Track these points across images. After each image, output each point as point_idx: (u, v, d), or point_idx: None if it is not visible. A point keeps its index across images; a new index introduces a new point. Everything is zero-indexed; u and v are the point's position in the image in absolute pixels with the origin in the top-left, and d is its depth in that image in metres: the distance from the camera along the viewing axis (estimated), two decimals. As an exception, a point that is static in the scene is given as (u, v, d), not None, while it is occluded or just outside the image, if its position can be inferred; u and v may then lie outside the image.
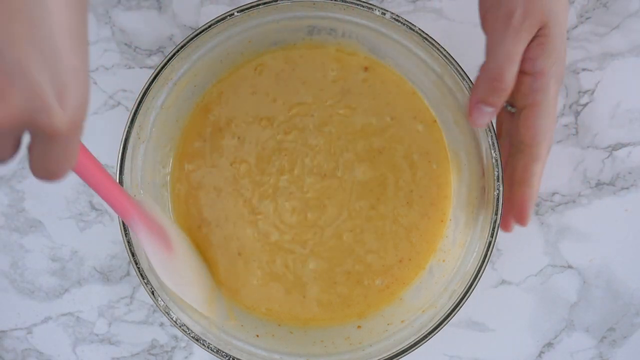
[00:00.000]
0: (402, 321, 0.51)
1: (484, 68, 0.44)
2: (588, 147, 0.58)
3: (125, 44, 0.58)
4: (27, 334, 0.59)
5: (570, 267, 0.59)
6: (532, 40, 0.42)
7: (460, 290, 0.48)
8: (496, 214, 0.47)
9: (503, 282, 0.59)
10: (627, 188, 0.58)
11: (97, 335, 0.59)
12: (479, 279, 0.47)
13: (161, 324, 0.58)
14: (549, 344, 0.59)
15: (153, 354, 0.59)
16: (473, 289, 0.47)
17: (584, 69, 0.58)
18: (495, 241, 0.47)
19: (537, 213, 0.58)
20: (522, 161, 0.46)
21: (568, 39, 0.58)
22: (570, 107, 0.58)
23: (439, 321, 0.47)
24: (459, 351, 0.59)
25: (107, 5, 0.58)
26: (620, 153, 0.58)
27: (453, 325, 0.59)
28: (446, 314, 0.47)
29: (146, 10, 0.58)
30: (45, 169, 0.30)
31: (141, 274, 0.47)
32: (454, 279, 0.50)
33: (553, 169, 0.58)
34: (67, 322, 0.59)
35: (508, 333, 0.59)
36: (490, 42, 0.44)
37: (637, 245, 0.59)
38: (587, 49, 0.58)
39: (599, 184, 0.58)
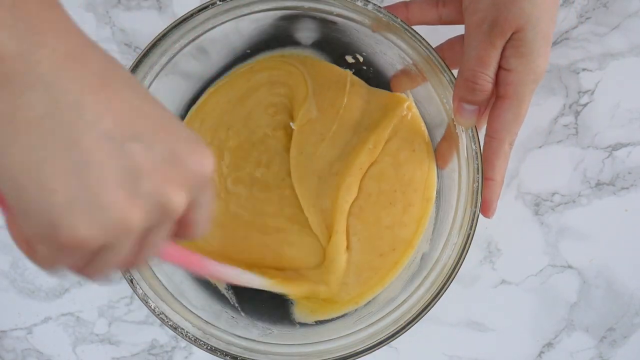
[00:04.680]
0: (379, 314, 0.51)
1: (460, 69, 0.45)
2: (588, 147, 0.58)
3: (125, 44, 0.58)
4: (27, 334, 0.59)
5: (570, 267, 0.59)
6: (507, 42, 0.44)
7: (439, 283, 0.47)
8: (475, 207, 0.47)
9: (503, 282, 0.59)
10: (627, 188, 0.58)
11: (97, 335, 0.59)
12: (457, 271, 0.47)
13: (161, 324, 0.58)
14: (549, 344, 0.59)
15: (153, 354, 0.59)
16: (451, 281, 0.47)
17: (584, 69, 0.58)
18: (474, 233, 0.47)
19: (537, 213, 0.58)
20: (485, 154, 0.47)
21: (567, 39, 0.58)
22: (570, 107, 0.58)
23: (416, 313, 0.47)
24: (459, 351, 0.59)
25: (107, 5, 0.58)
26: (620, 153, 0.58)
27: (453, 325, 0.59)
28: (424, 306, 0.47)
29: (146, 10, 0.58)
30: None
31: (132, 280, 0.48)
32: (432, 271, 0.50)
33: (553, 169, 0.58)
34: (67, 322, 0.59)
35: (508, 333, 0.59)
36: (465, 44, 0.45)
37: (637, 245, 0.59)
38: (587, 49, 0.58)
39: (598, 184, 0.58)
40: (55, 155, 0.26)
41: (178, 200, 0.29)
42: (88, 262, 0.29)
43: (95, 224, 0.27)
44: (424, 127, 0.53)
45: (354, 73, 0.54)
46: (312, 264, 0.53)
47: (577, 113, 0.58)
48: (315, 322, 0.54)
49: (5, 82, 0.25)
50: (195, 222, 0.32)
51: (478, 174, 0.47)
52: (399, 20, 0.46)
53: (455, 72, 0.47)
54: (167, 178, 0.28)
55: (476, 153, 0.47)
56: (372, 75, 0.54)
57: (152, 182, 0.28)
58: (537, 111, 0.57)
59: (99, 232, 0.27)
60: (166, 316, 0.47)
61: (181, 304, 0.50)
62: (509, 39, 0.43)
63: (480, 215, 0.47)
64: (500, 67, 0.44)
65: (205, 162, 0.30)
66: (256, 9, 0.48)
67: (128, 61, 0.58)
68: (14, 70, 0.25)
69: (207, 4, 0.47)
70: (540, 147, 0.58)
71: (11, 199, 0.27)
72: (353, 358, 0.47)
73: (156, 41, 0.47)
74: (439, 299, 0.47)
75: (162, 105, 0.30)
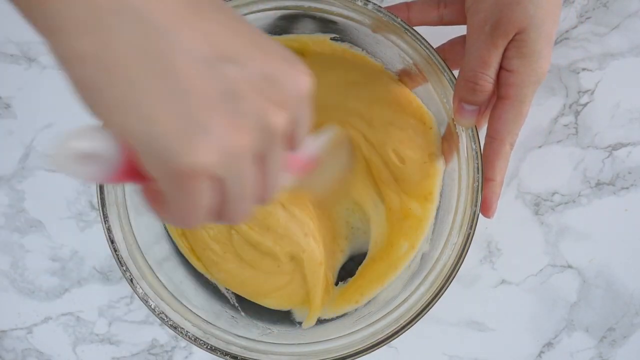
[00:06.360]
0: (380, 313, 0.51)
1: (461, 69, 0.45)
2: (588, 147, 0.58)
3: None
4: (27, 334, 0.59)
5: (570, 267, 0.59)
6: (510, 42, 0.43)
7: (439, 283, 0.47)
8: (475, 206, 0.47)
9: (503, 282, 0.59)
10: (627, 188, 0.58)
11: (97, 335, 0.59)
12: (457, 270, 0.47)
13: (161, 324, 0.58)
14: (549, 344, 0.59)
15: (153, 354, 0.59)
16: (451, 281, 0.47)
17: (584, 69, 0.58)
18: (474, 233, 0.47)
19: (537, 213, 0.58)
20: (486, 154, 0.47)
21: (567, 39, 0.58)
22: (570, 107, 0.58)
23: (416, 313, 0.47)
24: (459, 351, 0.59)
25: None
26: (620, 153, 0.58)
27: (453, 325, 0.59)
28: (424, 306, 0.47)
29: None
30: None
31: (132, 280, 0.47)
32: (432, 271, 0.49)
33: (553, 168, 0.58)
34: (67, 322, 0.59)
35: (508, 333, 0.59)
36: (467, 44, 0.45)
37: (637, 245, 0.59)
38: (587, 49, 0.58)
39: (599, 184, 0.58)
40: (152, 86, 0.26)
41: (279, 120, 0.29)
42: (221, 202, 0.29)
43: (204, 147, 0.27)
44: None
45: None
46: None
47: (577, 113, 0.58)
48: (315, 321, 0.54)
49: (94, 22, 0.25)
50: (296, 138, 0.32)
51: (478, 173, 0.47)
52: (399, 19, 0.46)
53: (456, 72, 0.47)
54: (266, 97, 0.28)
55: (476, 153, 0.47)
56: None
57: (250, 102, 0.28)
58: (537, 111, 0.57)
59: (211, 155, 0.27)
60: (166, 315, 0.47)
61: (181, 303, 0.50)
62: (511, 39, 0.43)
63: (480, 215, 0.47)
64: (501, 68, 0.44)
65: (302, 80, 0.30)
66: (256, 8, 0.48)
67: (128, 61, 0.58)
68: (101, 7, 0.25)
69: None
70: (540, 147, 0.58)
71: (127, 138, 0.27)
72: (353, 358, 0.47)
73: None
74: (439, 298, 0.47)
75: (253, 26, 0.30)
